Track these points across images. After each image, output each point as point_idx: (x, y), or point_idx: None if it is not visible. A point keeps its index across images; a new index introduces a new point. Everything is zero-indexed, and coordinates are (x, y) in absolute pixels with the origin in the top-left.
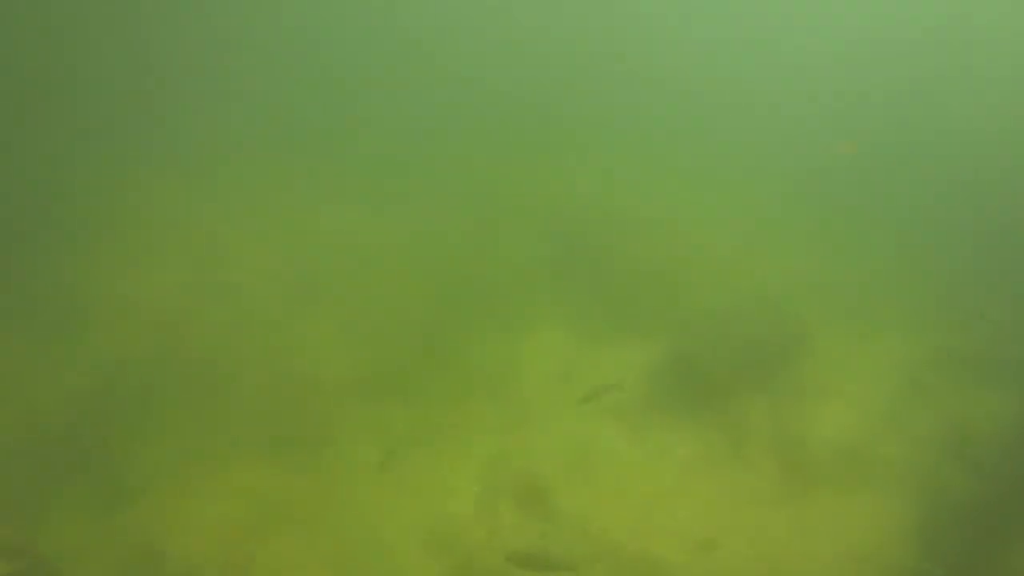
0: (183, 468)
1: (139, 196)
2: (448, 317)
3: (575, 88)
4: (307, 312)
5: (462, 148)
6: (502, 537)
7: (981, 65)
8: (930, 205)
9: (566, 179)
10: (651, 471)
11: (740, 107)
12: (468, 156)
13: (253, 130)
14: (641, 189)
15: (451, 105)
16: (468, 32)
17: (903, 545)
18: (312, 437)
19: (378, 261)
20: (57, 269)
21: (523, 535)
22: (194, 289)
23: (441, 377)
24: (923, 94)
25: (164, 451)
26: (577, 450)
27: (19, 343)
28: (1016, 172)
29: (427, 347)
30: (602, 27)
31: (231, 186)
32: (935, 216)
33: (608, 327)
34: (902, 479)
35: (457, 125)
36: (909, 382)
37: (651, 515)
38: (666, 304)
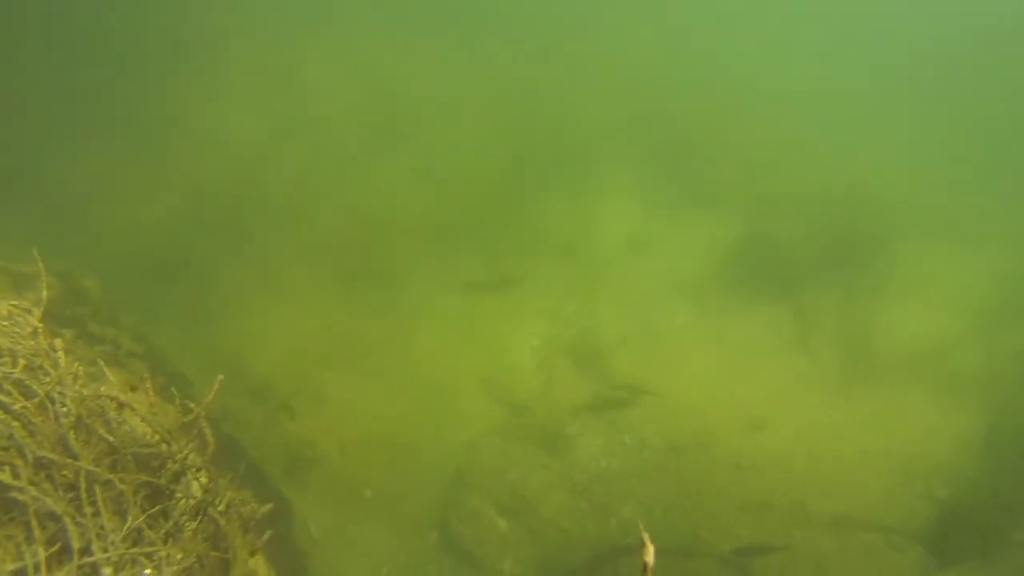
0: (263, 293)
1: (230, 34)
2: (523, 172)
3: None
4: (384, 154)
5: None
6: (557, 391)
7: None
8: None
9: (654, 42)
10: (711, 347)
11: None
12: (554, 11)
13: None
14: (733, 59)
15: None
16: None
17: (957, 452)
18: (382, 276)
19: (457, 109)
20: (159, 100)
21: (577, 392)
22: (278, 124)
23: (511, 231)
24: None
25: (247, 275)
26: (639, 318)
27: (127, 165)
28: None
29: (500, 199)
30: None
31: (316, 27)
32: None
33: (684, 200)
34: (971, 391)
35: None
36: (999, 297)
37: (706, 389)
38: (748, 182)
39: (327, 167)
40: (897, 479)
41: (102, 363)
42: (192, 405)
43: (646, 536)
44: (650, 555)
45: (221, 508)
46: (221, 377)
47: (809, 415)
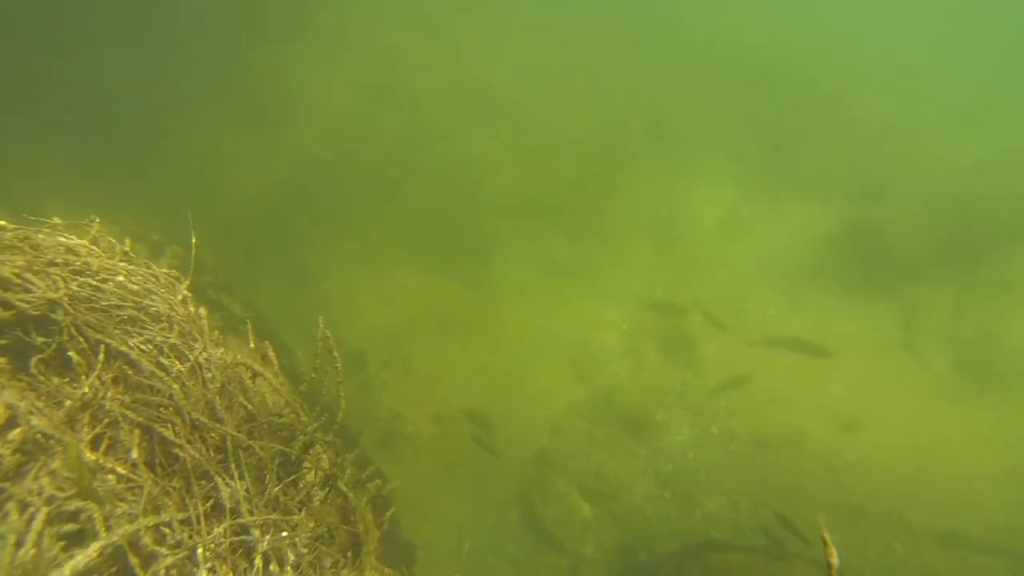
0: (357, 262)
1: (332, 11)
2: (616, 151)
3: None
4: (476, 128)
5: None
6: (644, 377)
7: None
8: None
9: (759, 20)
10: (807, 341)
11: None
12: None
13: None
14: (843, 39)
15: None
16: None
17: None
18: (472, 250)
19: (549, 86)
20: (264, 67)
21: (664, 378)
22: (374, 96)
23: (603, 210)
24: None
25: (343, 244)
26: (731, 306)
27: (234, 132)
28: None
29: (592, 178)
30: None
31: (420, 3)
32: None
33: (785, 185)
34: None
35: None
36: None
37: (799, 384)
38: (854, 167)
39: (422, 141)
40: (1022, 499)
41: (247, 329)
42: (318, 365)
43: (827, 536)
44: (834, 556)
45: (350, 481)
46: (325, 332)
47: (914, 420)
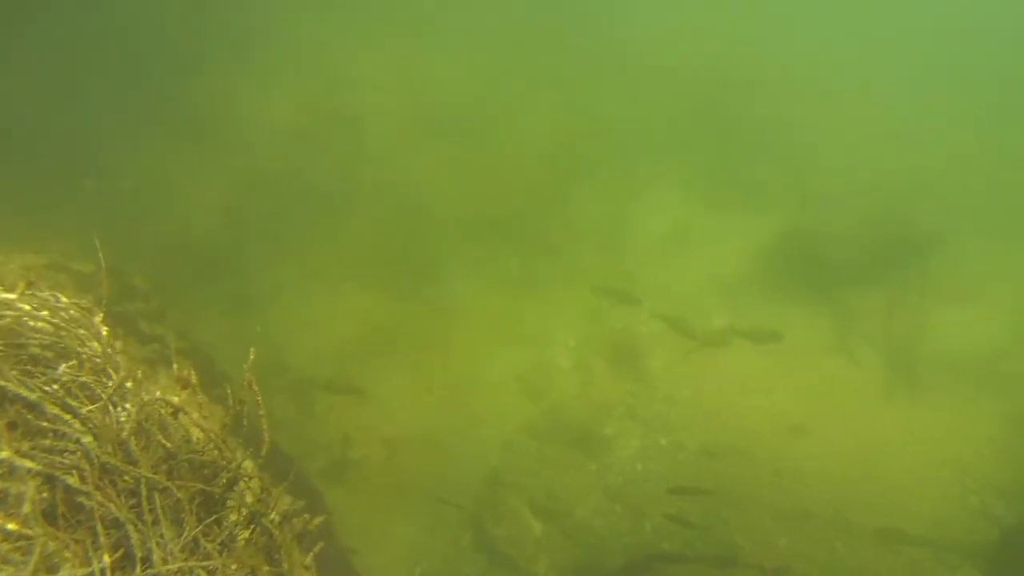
0: (304, 285)
1: (276, 28)
2: (562, 164)
3: None
4: (423, 146)
5: None
6: (593, 391)
7: None
8: None
9: (700, 35)
10: (750, 348)
11: None
12: (601, 3)
13: None
14: (780, 53)
15: None
16: None
17: (1011, 464)
18: (421, 269)
19: (497, 104)
20: (205, 88)
21: (613, 392)
22: (318, 115)
23: (551, 226)
24: None
25: (290, 266)
26: (678, 317)
27: (174, 158)
28: None
29: (541, 194)
30: None
31: (360, 19)
32: None
33: (727, 194)
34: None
35: None
36: None
37: (745, 392)
38: (792, 177)
39: (369, 159)
40: (949, 493)
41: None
42: (240, 398)
43: None
44: None
45: (274, 518)
46: (253, 352)
47: (853, 422)
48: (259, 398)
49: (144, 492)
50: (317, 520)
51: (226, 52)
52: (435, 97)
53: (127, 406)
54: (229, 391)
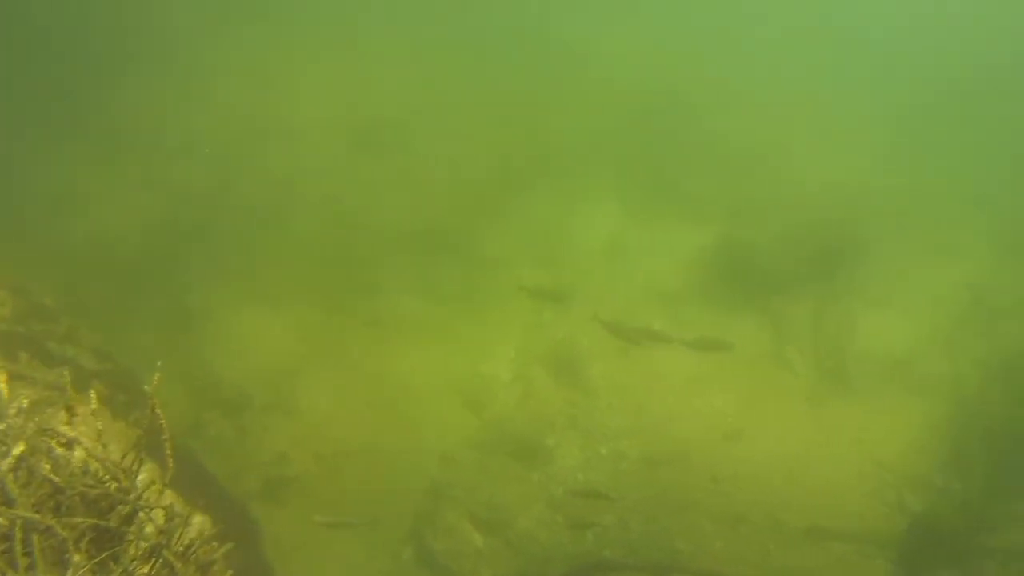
0: (238, 301)
1: (208, 36)
2: (504, 180)
3: None
4: (360, 159)
5: (533, 7)
6: (533, 403)
7: None
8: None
9: (634, 50)
10: (688, 356)
11: None
12: (538, 17)
13: None
14: (713, 70)
15: None
16: None
17: (927, 458)
18: (360, 284)
19: (435, 117)
20: (127, 101)
21: (553, 402)
22: (250, 127)
23: (491, 239)
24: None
25: (220, 284)
26: (618, 327)
27: (95, 170)
28: None
29: (481, 207)
30: None
31: (297, 31)
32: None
33: (663, 206)
34: (941, 397)
35: None
36: (971, 305)
37: (683, 400)
38: (726, 190)
39: (306, 173)
40: (870, 489)
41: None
42: (143, 422)
43: None
44: None
45: (179, 549)
46: (160, 364)
47: (785, 425)
48: (163, 422)
49: (19, 535)
50: (223, 548)
51: (151, 62)
52: (372, 110)
53: (7, 440)
54: (134, 416)
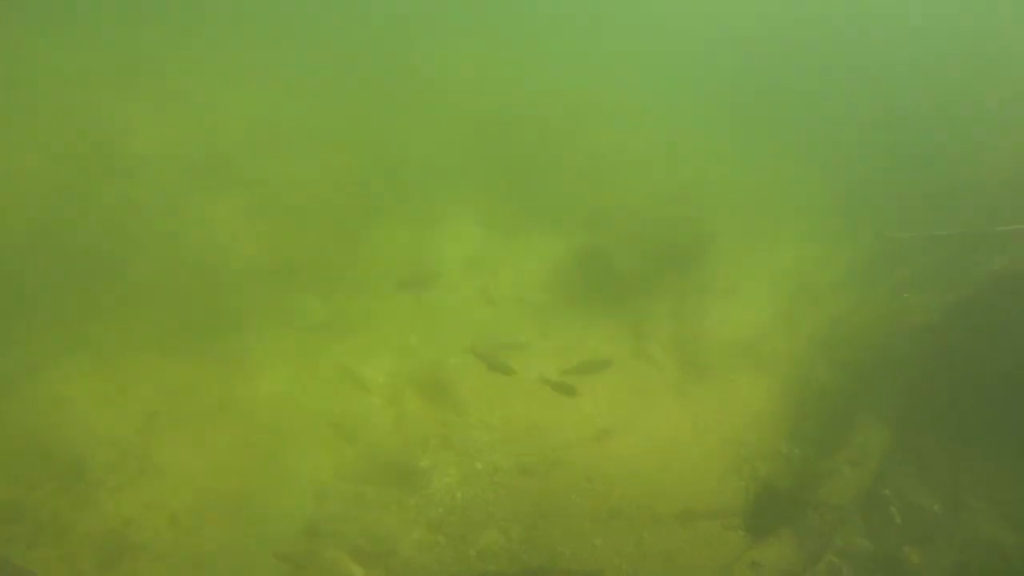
0: (69, 355)
1: (24, 58)
2: (362, 205)
3: None
4: (211, 195)
5: (379, 30)
6: (406, 427)
7: None
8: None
9: (484, 68)
10: (556, 364)
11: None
12: (385, 39)
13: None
14: (561, 83)
15: None
16: None
17: (774, 430)
18: (217, 325)
19: (287, 147)
20: None
21: (426, 424)
22: (81, 163)
23: (353, 266)
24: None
25: (47, 338)
26: (484, 342)
27: None
28: (924, 102)
29: (340, 235)
30: None
31: (127, 55)
32: (845, 138)
33: (519, 219)
34: (781, 372)
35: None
36: (799, 287)
37: (553, 408)
38: (579, 199)
39: (148, 212)
40: (728, 465)
41: None
42: None
43: None
44: None
45: None
46: None
47: (653, 419)
48: None
49: None
50: None
51: None
52: (220, 143)
53: None
54: None
